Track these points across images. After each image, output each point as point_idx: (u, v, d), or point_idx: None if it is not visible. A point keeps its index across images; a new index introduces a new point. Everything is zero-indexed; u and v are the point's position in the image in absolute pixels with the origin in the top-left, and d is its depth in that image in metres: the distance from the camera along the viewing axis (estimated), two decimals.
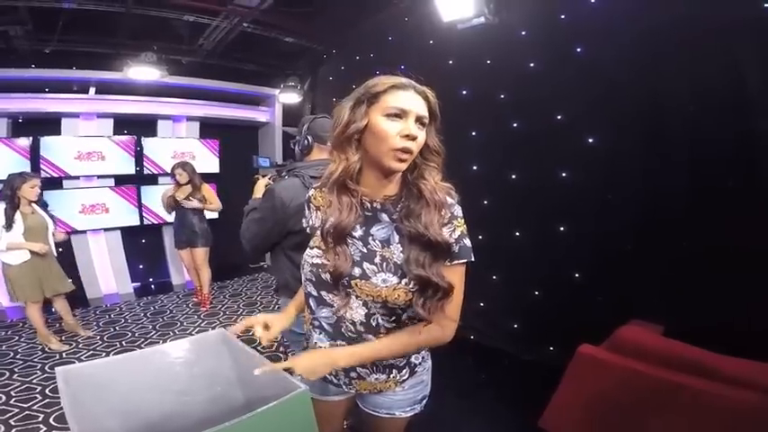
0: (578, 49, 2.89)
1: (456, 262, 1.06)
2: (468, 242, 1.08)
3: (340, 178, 1.07)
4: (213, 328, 4.17)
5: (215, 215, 4.81)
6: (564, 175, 3.02)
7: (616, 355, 2.03)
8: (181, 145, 5.61)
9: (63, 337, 3.80)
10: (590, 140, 2.87)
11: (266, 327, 1.23)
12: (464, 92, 3.61)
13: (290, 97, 5.57)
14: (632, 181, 2.67)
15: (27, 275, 3.35)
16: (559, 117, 3.01)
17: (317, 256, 1.12)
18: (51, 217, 3.61)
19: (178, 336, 3.91)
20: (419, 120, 1.03)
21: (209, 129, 5.91)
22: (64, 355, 3.49)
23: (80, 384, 0.99)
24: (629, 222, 2.68)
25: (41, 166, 4.73)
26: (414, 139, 1.02)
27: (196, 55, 4.90)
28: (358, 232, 1.09)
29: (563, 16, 2.95)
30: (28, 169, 4.56)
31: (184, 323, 4.24)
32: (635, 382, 1.91)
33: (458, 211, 1.09)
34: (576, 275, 2.99)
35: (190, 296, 4.85)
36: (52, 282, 3.51)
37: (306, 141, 1.88)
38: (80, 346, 3.67)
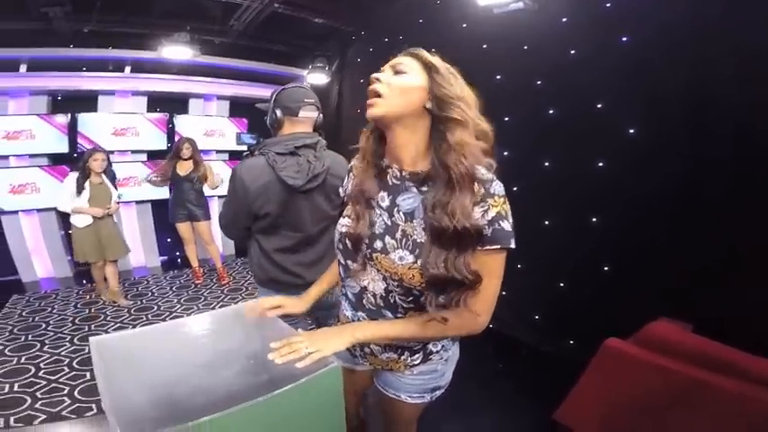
0: (623, 39, 2.75)
1: (488, 247, 0.95)
2: (506, 225, 0.95)
3: (364, 144, 1.11)
4: (236, 303, 4.26)
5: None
6: (600, 164, 2.91)
7: (644, 350, 1.96)
8: (211, 123, 5.72)
9: (92, 309, 3.97)
10: (630, 131, 2.74)
11: (279, 308, 1.23)
12: (498, 77, 3.50)
13: (318, 78, 5.54)
14: (671, 175, 2.55)
15: (88, 237, 3.79)
16: (599, 106, 2.89)
17: (345, 225, 1.11)
18: (116, 187, 4.03)
19: (202, 310, 3.99)
20: (392, 67, 1.02)
21: (238, 108, 5.98)
22: (92, 327, 3.61)
23: (111, 355, 1.00)
24: (664, 217, 2.57)
25: (78, 141, 4.90)
26: (376, 80, 1.01)
27: (228, 35, 4.92)
28: (385, 202, 1.07)
29: (608, 4, 2.81)
30: (66, 144, 4.77)
31: (208, 297, 4.34)
32: (663, 379, 1.84)
33: (496, 188, 0.96)
34: (606, 269, 2.90)
35: (213, 271, 4.94)
36: (111, 246, 3.93)
37: (274, 115, 1.71)
38: (108, 318, 3.80)
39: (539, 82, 3.25)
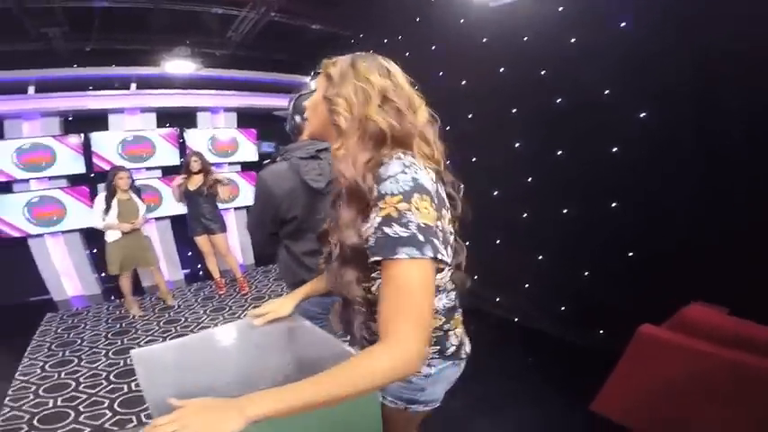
0: (622, 24, 2.73)
1: (373, 259, 0.82)
2: (394, 229, 0.79)
3: None
4: (252, 308, 4.36)
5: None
6: (614, 150, 2.89)
7: (681, 335, 1.91)
8: (221, 135, 5.78)
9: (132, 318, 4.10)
10: (641, 115, 2.72)
11: (266, 315, 1.29)
12: (501, 69, 3.49)
13: None
14: (689, 155, 2.52)
15: (116, 252, 4.05)
16: (607, 92, 2.87)
17: None
18: (143, 201, 4.31)
19: (228, 319, 4.11)
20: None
21: (246, 119, 6.05)
22: (125, 340, 3.75)
23: (153, 366, 1.06)
24: (686, 198, 2.54)
25: (93, 160, 5.01)
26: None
27: (227, 47, 4.97)
28: None
29: None
30: (82, 164, 4.89)
31: (233, 307, 4.44)
32: (702, 363, 1.80)
33: (389, 186, 0.82)
34: (630, 255, 2.85)
35: (236, 281, 5.06)
36: (140, 258, 4.22)
37: (294, 121, 1.76)
38: (139, 331, 3.94)
39: (543, 72, 3.22)
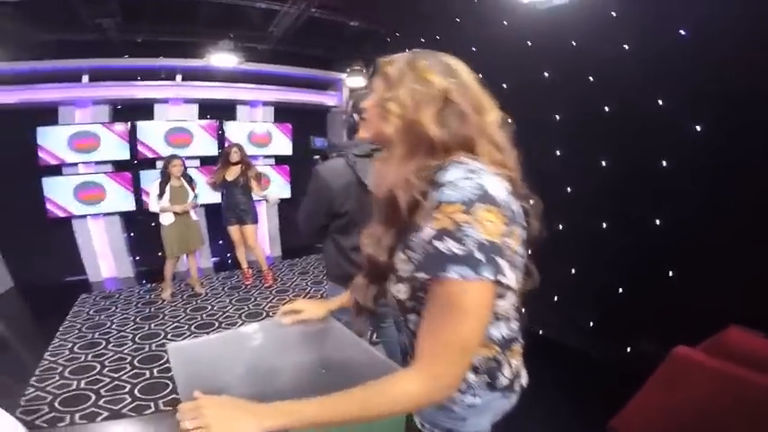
0: (681, 32, 2.54)
1: (418, 275, 0.75)
2: (448, 245, 0.68)
3: None
4: (284, 305, 4.42)
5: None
6: (664, 164, 2.71)
7: (717, 359, 1.84)
8: (257, 128, 5.89)
9: (149, 310, 4.22)
10: (696, 128, 2.53)
11: (297, 313, 1.22)
12: (546, 74, 3.33)
13: (357, 81, 5.52)
14: (741, 174, 2.34)
15: (171, 234, 4.32)
16: (660, 102, 2.68)
17: None
18: (193, 189, 4.49)
19: (252, 310, 4.15)
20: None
21: (282, 113, 6.13)
22: (152, 326, 3.84)
23: (188, 360, 1.06)
24: (734, 219, 2.37)
25: (138, 148, 5.22)
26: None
27: (268, 41, 5.05)
28: None
29: None
30: (127, 151, 5.10)
31: (258, 298, 4.48)
32: (737, 388, 1.72)
33: (447, 193, 0.72)
34: (670, 274, 2.71)
35: (262, 273, 5.09)
36: (191, 239, 4.47)
37: (352, 119, 1.80)
38: (166, 317, 4.03)
39: (591, 78, 3.06)
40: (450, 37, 4.11)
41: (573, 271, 3.33)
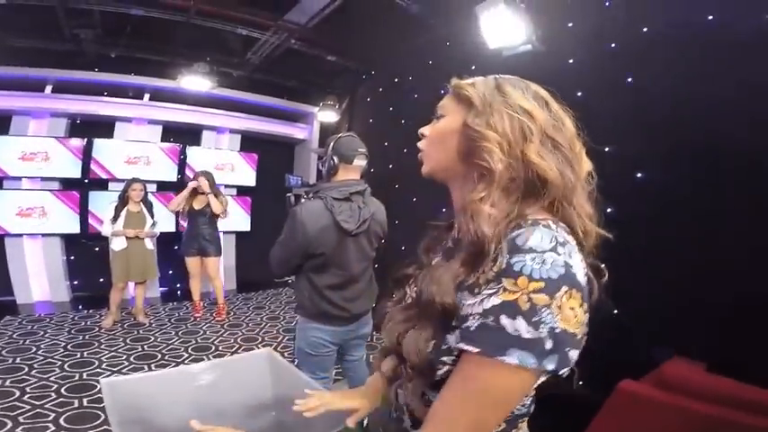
0: (629, 80, 2.80)
1: (461, 345, 0.62)
2: (514, 324, 0.57)
3: None
4: (236, 340, 4.26)
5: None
6: (609, 210, 2.87)
7: (661, 391, 1.93)
8: (221, 156, 5.79)
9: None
10: (638, 175, 2.74)
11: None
12: None
13: (328, 116, 5.64)
14: (684, 219, 2.52)
15: (121, 260, 4.10)
16: (607, 149, 2.89)
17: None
18: (152, 216, 4.31)
19: (200, 344, 3.89)
20: (436, 114, 0.82)
21: (248, 142, 6.09)
22: (85, 354, 3.50)
23: (122, 398, 0.99)
24: (676, 260, 2.54)
25: (91, 167, 4.97)
26: (421, 135, 0.83)
27: (244, 68, 5.10)
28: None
29: (613, 45, 2.89)
30: (79, 169, 4.85)
31: (207, 332, 4.21)
32: (682, 420, 1.79)
33: (526, 266, 0.59)
34: (615, 312, 2.78)
35: (214, 305, 4.84)
36: (143, 269, 4.26)
37: (332, 162, 1.87)
38: (102, 346, 3.70)
39: None
40: (422, 78, 4.31)
41: None
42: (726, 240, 2.32)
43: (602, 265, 0.75)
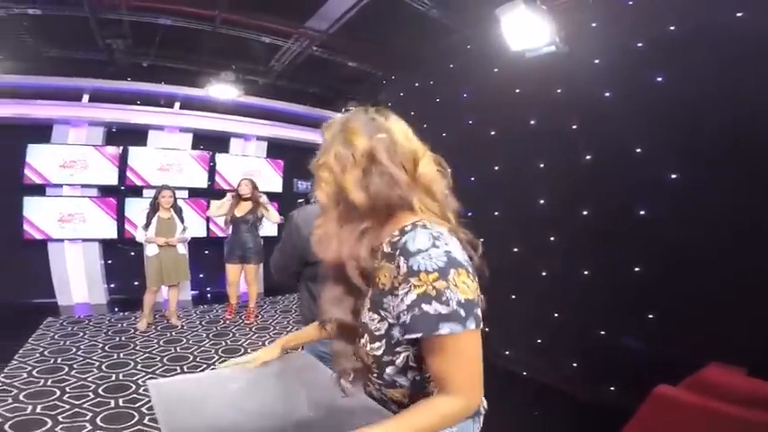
0: (658, 78, 2.72)
1: (408, 337, 0.80)
2: (434, 307, 0.76)
3: None
4: (264, 342, 4.34)
5: (272, 231, 4.92)
6: (642, 213, 2.80)
7: (698, 395, 1.88)
8: (249, 163, 5.93)
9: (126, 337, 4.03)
10: (672, 176, 2.65)
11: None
12: (532, 122, 3.49)
13: None
14: (717, 220, 2.45)
15: (154, 265, 4.23)
16: (639, 150, 2.81)
17: None
18: (182, 221, 4.42)
19: (230, 346, 3.99)
20: None
21: (275, 149, 6.22)
22: (122, 355, 3.64)
23: (169, 398, 1.03)
24: (711, 263, 2.45)
25: (127, 174, 5.18)
26: None
27: (268, 76, 5.20)
28: None
29: (640, 44, 2.81)
30: (116, 176, 5.04)
31: (236, 334, 4.32)
32: (719, 425, 1.76)
33: (424, 262, 0.77)
34: (650, 317, 2.76)
35: (244, 308, 4.95)
36: (175, 272, 4.36)
37: None
38: (137, 348, 3.84)
39: (574, 126, 3.21)
40: (443, 82, 4.31)
41: (556, 315, 3.34)
42: (766, 243, 2.24)
43: (480, 240, 0.91)
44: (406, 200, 0.85)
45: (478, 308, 0.80)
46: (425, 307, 0.76)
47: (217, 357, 3.72)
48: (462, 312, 0.76)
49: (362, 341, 0.90)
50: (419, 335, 0.78)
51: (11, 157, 4.65)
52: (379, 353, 0.87)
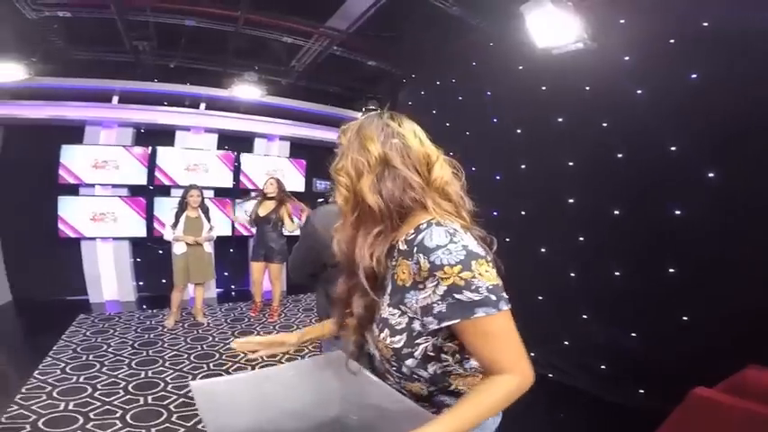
0: (692, 75, 2.61)
1: (446, 323, 0.83)
2: (466, 295, 0.80)
3: None
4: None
5: (297, 230, 4.96)
6: (677, 212, 2.69)
7: (737, 398, 1.84)
8: (272, 162, 6.00)
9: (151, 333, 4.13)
10: (709, 175, 2.54)
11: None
12: (560, 119, 3.39)
13: None
14: (754, 220, 2.35)
15: (181, 264, 4.34)
16: (673, 148, 2.70)
17: None
18: (209, 220, 4.50)
19: None
20: None
21: (297, 148, 6.26)
22: (150, 352, 3.73)
23: (213, 398, 1.04)
24: (748, 264, 2.35)
25: (156, 174, 5.30)
26: None
27: (289, 76, 5.23)
28: None
29: (672, 40, 2.70)
30: (145, 176, 5.18)
31: (261, 332, 4.39)
32: (759, 427, 1.71)
33: (444, 256, 0.81)
34: (684, 318, 2.67)
35: (268, 306, 5.02)
36: (198, 271, 4.44)
37: None
38: (165, 345, 3.93)
39: (604, 124, 3.11)
40: (466, 80, 4.23)
41: (585, 316, 3.26)
42: None
43: (493, 236, 0.94)
44: (420, 202, 0.89)
45: (503, 292, 0.84)
46: (458, 296, 0.81)
47: (242, 355, 3.75)
48: (493, 297, 0.81)
49: (382, 335, 0.93)
50: (457, 321, 0.81)
51: (46, 157, 4.84)
52: (398, 345, 0.91)
